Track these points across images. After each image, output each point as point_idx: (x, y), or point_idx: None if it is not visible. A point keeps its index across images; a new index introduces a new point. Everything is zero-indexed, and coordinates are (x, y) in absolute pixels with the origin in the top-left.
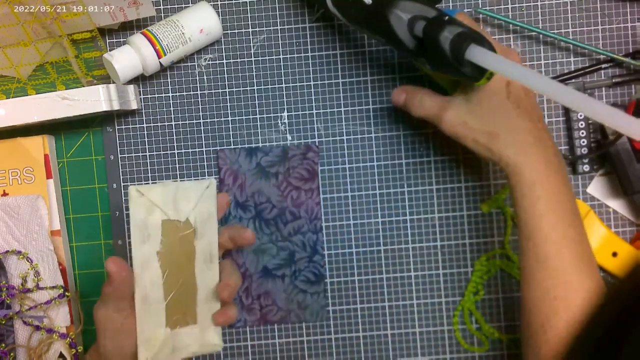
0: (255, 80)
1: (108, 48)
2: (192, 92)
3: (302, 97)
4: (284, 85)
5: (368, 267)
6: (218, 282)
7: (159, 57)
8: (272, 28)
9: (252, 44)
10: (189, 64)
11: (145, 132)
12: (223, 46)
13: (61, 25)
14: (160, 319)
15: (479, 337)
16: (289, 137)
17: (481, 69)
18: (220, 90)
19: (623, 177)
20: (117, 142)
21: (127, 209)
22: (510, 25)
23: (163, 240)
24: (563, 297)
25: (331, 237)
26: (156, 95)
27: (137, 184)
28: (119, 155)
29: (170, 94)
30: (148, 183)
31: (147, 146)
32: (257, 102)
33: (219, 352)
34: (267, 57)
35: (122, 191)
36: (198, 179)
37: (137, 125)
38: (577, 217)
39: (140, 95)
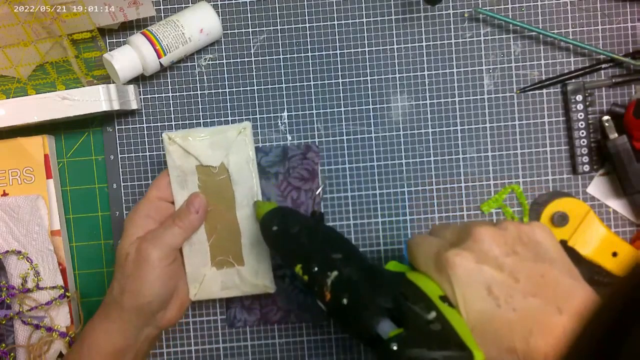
0: (255, 80)
1: (108, 48)
2: (192, 92)
3: (302, 97)
4: (284, 85)
5: None
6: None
7: (159, 57)
8: (272, 28)
9: (252, 44)
10: (189, 64)
11: (145, 132)
12: (223, 46)
13: (61, 25)
14: (204, 259)
15: None
16: (289, 137)
17: None
18: (220, 90)
19: (623, 177)
20: (117, 142)
21: (127, 208)
22: (510, 25)
23: (200, 185)
24: None
25: None
26: (156, 95)
27: (170, 132)
28: (119, 155)
29: (170, 94)
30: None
31: (147, 146)
32: (257, 102)
33: (270, 292)
34: (267, 57)
35: (122, 191)
36: (231, 124)
37: (137, 125)
38: None
39: (140, 95)
